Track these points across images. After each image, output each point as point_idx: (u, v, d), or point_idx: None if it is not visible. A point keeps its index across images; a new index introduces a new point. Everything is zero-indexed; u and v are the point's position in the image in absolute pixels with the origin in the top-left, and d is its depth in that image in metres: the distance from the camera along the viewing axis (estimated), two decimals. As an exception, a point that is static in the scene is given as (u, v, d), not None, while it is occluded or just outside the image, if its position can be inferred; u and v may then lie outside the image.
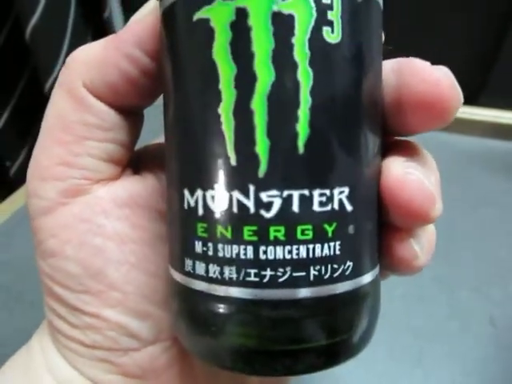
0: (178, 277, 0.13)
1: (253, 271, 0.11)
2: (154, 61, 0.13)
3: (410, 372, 0.31)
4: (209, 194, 0.11)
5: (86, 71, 0.14)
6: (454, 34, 0.56)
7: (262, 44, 0.10)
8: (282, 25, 0.10)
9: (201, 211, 0.11)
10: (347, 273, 0.11)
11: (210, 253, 0.11)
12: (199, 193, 0.11)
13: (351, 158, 0.11)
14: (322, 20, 0.10)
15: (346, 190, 0.11)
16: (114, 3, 0.66)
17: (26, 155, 0.62)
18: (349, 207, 0.11)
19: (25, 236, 0.42)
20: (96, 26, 0.65)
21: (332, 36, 0.10)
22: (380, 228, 0.13)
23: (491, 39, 0.55)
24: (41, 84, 0.57)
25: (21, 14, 0.53)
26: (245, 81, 0.10)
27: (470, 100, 0.56)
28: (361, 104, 0.11)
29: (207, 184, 0.11)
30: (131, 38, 0.13)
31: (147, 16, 0.13)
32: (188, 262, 0.12)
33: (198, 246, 0.11)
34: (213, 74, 0.11)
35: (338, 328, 0.12)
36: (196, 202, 0.11)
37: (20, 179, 0.55)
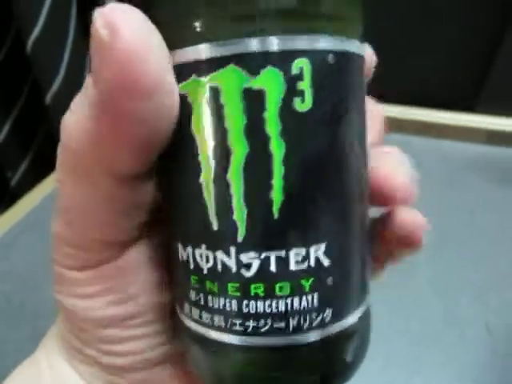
0: (181, 316, 0.14)
1: (238, 321, 0.12)
2: None
3: (407, 379, 0.31)
4: (197, 251, 0.12)
5: (94, 153, 0.12)
6: (450, 42, 0.57)
7: (234, 120, 0.11)
8: (253, 100, 0.11)
9: (192, 265, 0.12)
10: (327, 320, 0.12)
11: (202, 302, 0.12)
12: (189, 249, 0.12)
13: (326, 217, 0.12)
14: (292, 92, 0.10)
15: (323, 246, 0.12)
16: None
17: (27, 166, 0.62)
18: (326, 262, 0.12)
19: (25, 246, 0.42)
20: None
21: (303, 105, 0.11)
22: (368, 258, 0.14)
23: (486, 47, 0.55)
24: (42, 96, 0.57)
25: (22, 27, 0.53)
26: (221, 154, 0.11)
27: (465, 107, 0.57)
28: (336, 164, 0.11)
29: (195, 243, 0.12)
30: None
31: None
32: (186, 306, 0.13)
33: (193, 295, 0.13)
34: (192, 147, 0.11)
35: (320, 367, 0.13)
36: (187, 256, 0.12)
37: (21, 190, 0.55)
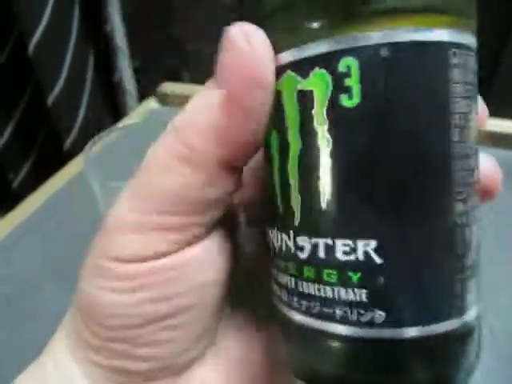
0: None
1: (294, 299, 0.13)
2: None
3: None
4: (272, 233, 0.14)
5: (220, 148, 0.13)
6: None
7: (292, 118, 0.12)
8: (305, 100, 0.12)
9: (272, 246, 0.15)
10: (378, 320, 0.12)
11: (277, 279, 0.15)
12: (270, 231, 0.15)
13: (377, 214, 0.12)
14: (338, 89, 0.11)
15: (373, 242, 0.12)
16: (115, 18, 0.67)
17: (29, 168, 0.62)
18: (377, 259, 0.12)
19: (27, 249, 0.42)
20: (98, 40, 0.65)
21: (350, 101, 0.11)
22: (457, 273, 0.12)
23: (492, 48, 0.55)
24: (43, 98, 0.57)
25: (24, 29, 0.54)
26: (283, 148, 0.13)
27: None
28: (384, 160, 0.11)
29: (271, 225, 0.14)
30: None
31: None
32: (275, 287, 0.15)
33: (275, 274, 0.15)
34: (270, 141, 0.14)
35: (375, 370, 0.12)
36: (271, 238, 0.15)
37: (23, 192, 0.55)
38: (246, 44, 0.12)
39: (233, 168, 0.14)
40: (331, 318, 0.12)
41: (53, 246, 0.42)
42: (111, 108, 0.70)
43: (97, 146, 0.31)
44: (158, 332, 0.15)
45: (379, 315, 0.12)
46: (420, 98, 0.11)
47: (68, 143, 0.61)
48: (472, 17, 0.12)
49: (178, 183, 0.14)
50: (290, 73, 0.12)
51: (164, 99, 0.65)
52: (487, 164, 0.16)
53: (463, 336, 0.12)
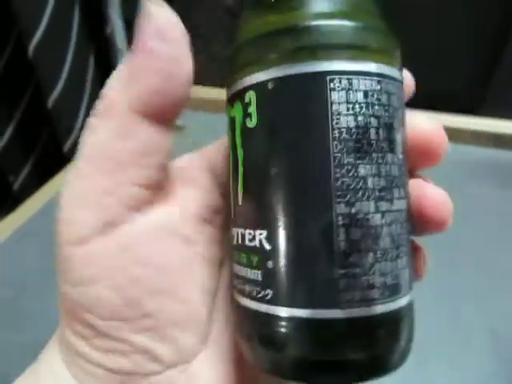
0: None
1: (234, 281, 0.16)
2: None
3: (414, 384, 0.31)
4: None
5: (126, 92, 0.14)
6: (452, 45, 0.57)
7: (234, 137, 0.16)
8: (233, 123, 0.16)
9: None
10: (267, 298, 0.14)
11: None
12: None
13: (268, 210, 0.14)
14: (246, 114, 0.15)
15: (264, 232, 0.14)
16: (116, 19, 0.67)
17: (30, 170, 0.62)
18: (267, 246, 0.14)
19: (28, 251, 0.42)
20: (98, 42, 0.65)
21: (251, 123, 0.15)
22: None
23: (489, 50, 0.55)
24: (44, 100, 0.57)
25: (24, 30, 0.54)
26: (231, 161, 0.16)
27: (470, 110, 0.56)
28: (273, 170, 0.14)
29: None
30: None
31: None
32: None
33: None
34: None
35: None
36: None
37: (23, 194, 0.55)
38: (154, 7, 0.14)
39: (153, 116, 0.14)
40: (243, 293, 0.15)
41: (52, 248, 0.42)
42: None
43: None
44: (134, 321, 0.15)
45: (268, 293, 0.14)
46: (296, 118, 0.14)
47: (68, 145, 0.61)
48: (355, 45, 0.14)
49: (97, 139, 0.14)
50: (231, 103, 0.16)
51: (164, 100, 0.65)
52: (419, 126, 0.16)
53: (337, 325, 0.14)
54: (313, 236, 0.14)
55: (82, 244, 0.14)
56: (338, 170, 0.14)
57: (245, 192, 0.15)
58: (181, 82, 0.14)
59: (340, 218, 0.14)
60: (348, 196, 0.14)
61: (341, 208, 0.14)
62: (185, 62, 0.14)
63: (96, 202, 0.14)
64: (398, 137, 0.15)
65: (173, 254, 0.16)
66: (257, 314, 0.15)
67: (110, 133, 0.14)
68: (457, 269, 0.39)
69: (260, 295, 0.15)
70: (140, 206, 0.15)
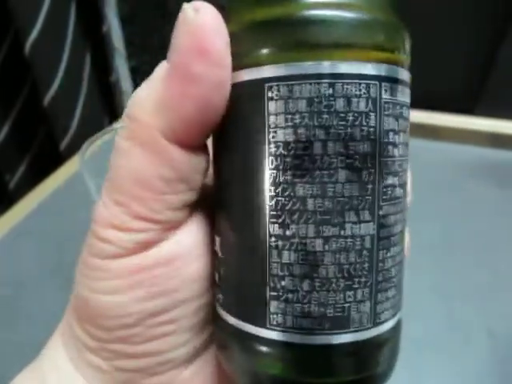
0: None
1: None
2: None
3: None
4: None
5: (160, 119, 0.13)
6: (450, 45, 0.57)
7: None
8: None
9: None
10: (220, 302, 0.15)
11: None
12: None
13: (221, 219, 0.14)
14: None
15: (218, 240, 0.15)
16: (112, 17, 0.67)
17: (26, 169, 0.62)
18: (220, 254, 0.15)
19: (24, 250, 0.42)
20: (95, 40, 0.65)
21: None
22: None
23: (486, 50, 0.55)
24: (40, 98, 0.57)
25: (20, 28, 0.53)
26: None
27: (466, 109, 0.57)
28: (222, 180, 0.14)
29: None
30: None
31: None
32: None
33: None
34: None
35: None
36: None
37: (19, 193, 0.55)
38: (194, 14, 0.12)
39: (186, 144, 0.14)
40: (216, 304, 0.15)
41: (49, 246, 0.42)
42: (108, 108, 0.70)
43: (93, 146, 0.31)
44: (154, 328, 0.15)
45: (220, 297, 0.15)
46: (239, 131, 0.13)
47: (64, 143, 0.61)
48: (293, 48, 0.12)
49: (130, 165, 0.14)
50: None
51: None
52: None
53: (267, 342, 0.13)
54: (250, 253, 0.13)
55: (116, 258, 0.14)
56: (272, 188, 0.12)
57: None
58: (218, 109, 0.13)
59: (273, 239, 0.13)
60: (282, 217, 0.12)
61: (274, 229, 0.13)
62: (226, 86, 0.13)
63: (132, 226, 0.14)
64: (370, 148, 0.12)
65: (204, 267, 0.16)
66: (216, 316, 0.15)
67: (143, 159, 0.13)
68: (455, 268, 0.39)
69: (217, 297, 0.15)
70: (177, 226, 0.15)
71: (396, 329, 0.14)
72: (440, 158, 0.51)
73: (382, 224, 0.13)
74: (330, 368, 0.13)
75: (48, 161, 0.59)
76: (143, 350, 0.15)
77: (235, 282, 0.14)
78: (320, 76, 0.12)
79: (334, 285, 0.12)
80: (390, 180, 0.13)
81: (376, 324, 0.13)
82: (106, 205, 0.14)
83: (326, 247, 0.12)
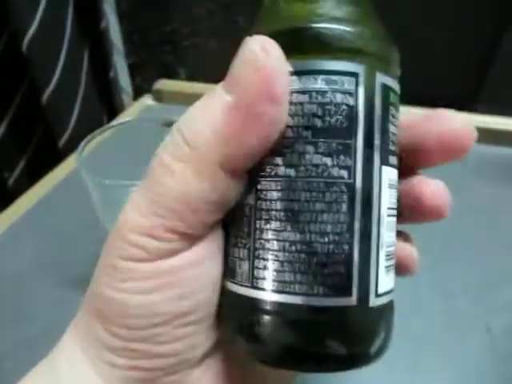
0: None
1: None
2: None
3: (407, 381, 0.31)
4: None
5: (221, 150, 0.14)
6: (450, 42, 0.57)
7: None
8: None
9: None
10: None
11: None
12: None
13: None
14: None
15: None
16: (110, 14, 0.67)
17: (24, 166, 0.62)
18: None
19: (22, 248, 0.42)
20: (93, 37, 0.65)
21: None
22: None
23: (486, 47, 0.55)
24: (38, 95, 0.57)
25: (18, 26, 0.53)
26: None
27: (464, 107, 0.57)
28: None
29: None
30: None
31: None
32: None
33: None
34: None
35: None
36: None
37: (18, 190, 0.54)
38: (263, 56, 0.13)
39: (235, 172, 0.14)
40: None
41: (47, 244, 0.42)
42: (106, 105, 0.70)
43: (91, 144, 0.30)
44: (177, 329, 0.15)
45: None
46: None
47: (63, 141, 0.61)
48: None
49: (181, 186, 0.14)
50: None
51: (159, 96, 0.65)
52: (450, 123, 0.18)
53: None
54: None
55: (146, 262, 0.15)
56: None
57: None
58: (273, 140, 0.14)
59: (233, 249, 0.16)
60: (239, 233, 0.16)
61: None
62: (284, 120, 0.14)
63: (165, 236, 0.15)
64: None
65: (222, 270, 0.16)
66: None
67: (194, 184, 0.14)
68: (452, 264, 0.39)
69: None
70: (206, 235, 0.15)
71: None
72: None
73: (259, 197, 0.15)
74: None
75: (46, 158, 0.58)
76: (165, 350, 0.15)
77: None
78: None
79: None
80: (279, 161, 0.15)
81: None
82: (144, 214, 0.15)
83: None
